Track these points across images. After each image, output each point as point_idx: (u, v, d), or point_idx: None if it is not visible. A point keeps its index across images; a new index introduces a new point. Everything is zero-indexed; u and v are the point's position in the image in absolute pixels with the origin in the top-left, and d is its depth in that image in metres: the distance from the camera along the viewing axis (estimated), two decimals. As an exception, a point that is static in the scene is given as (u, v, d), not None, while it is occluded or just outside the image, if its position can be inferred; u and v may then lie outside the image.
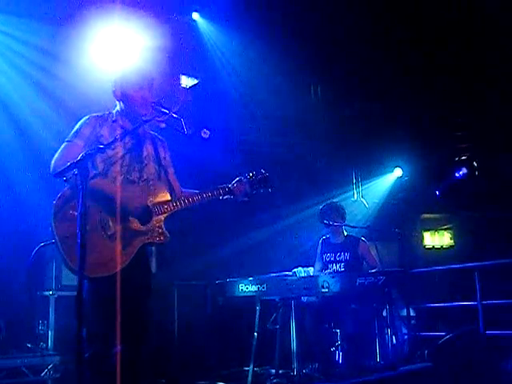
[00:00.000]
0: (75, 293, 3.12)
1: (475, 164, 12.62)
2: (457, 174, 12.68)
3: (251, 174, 4.43)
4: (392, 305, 6.83)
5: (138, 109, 4.11)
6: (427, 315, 8.96)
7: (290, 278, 6.63)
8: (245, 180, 4.38)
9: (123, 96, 4.16)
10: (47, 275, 6.84)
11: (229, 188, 4.31)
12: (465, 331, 6.03)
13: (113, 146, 3.90)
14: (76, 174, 3.32)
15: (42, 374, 6.22)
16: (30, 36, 7.15)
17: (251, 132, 10.29)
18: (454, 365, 4.88)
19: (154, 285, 4.14)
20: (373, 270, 6.91)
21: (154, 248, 4.12)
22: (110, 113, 4.21)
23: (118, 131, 4.06)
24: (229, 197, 4.33)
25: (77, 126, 4.07)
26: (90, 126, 4.05)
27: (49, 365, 6.23)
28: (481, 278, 7.85)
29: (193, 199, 4.13)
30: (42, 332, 6.67)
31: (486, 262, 8.06)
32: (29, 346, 6.51)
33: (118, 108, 4.22)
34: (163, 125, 4.25)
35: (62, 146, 3.97)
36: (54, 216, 3.73)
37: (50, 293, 6.63)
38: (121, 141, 4.00)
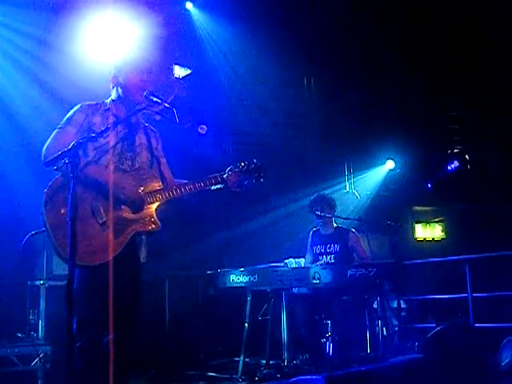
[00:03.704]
0: (66, 282, 3.12)
1: (467, 157, 12.66)
2: (449, 167, 12.72)
3: (243, 164, 4.34)
4: (383, 296, 6.85)
5: (134, 95, 4.08)
6: (418, 307, 8.99)
7: (281, 269, 6.64)
8: (237, 170, 4.31)
9: (122, 81, 4.12)
10: (38, 264, 6.82)
11: (221, 177, 4.24)
12: (455, 323, 6.04)
13: (105, 135, 3.86)
14: (67, 163, 3.30)
15: (33, 364, 6.19)
16: (23, 25, 7.10)
17: (243, 123, 10.27)
18: (444, 357, 4.89)
19: (144, 275, 4.12)
20: (363, 262, 6.93)
21: (144, 237, 4.07)
22: (102, 102, 4.18)
23: (111, 120, 4.03)
24: (221, 186, 4.27)
25: (69, 113, 4.04)
26: (82, 114, 4.02)
27: (39, 354, 6.21)
28: (471, 270, 7.88)
29: (185, 188, 4.10)
30: (32, 321, 6.64)
31: (477, 255, 8.08)
32: (19, 335, 6.49)
33: (112, 96, 4.19)
34: (158, 117, 4.22)
35: (54, 133, 3.94)
36: (45, 205, 3.71)
37: (41, 282, 6.60)
38: (113, 129, 3.97)
